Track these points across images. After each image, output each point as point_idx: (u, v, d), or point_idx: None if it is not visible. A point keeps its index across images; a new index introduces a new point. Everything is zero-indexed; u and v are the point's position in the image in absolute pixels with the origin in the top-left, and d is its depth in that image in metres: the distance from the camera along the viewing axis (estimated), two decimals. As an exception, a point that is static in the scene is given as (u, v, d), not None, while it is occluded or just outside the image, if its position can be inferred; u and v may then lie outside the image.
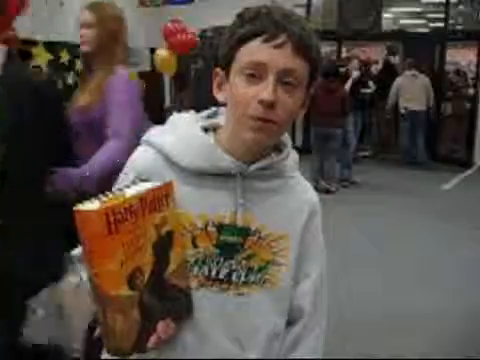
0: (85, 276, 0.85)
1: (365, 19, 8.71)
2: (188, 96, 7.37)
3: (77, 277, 1.49)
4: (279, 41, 0.85)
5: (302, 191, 1.02)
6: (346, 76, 6.99)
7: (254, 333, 0.97)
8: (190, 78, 7.87)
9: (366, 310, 3.31)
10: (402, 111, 7.97)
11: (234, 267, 0.94)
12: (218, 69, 0.93)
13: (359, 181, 6.90)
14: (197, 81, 7.71)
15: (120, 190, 0.83)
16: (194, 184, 0.92)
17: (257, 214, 0.94)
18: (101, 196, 0.80)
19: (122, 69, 2.02)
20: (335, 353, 2.47)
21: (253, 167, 0.93)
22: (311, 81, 0.91)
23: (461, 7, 8.61)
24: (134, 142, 1.96)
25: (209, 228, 0.92)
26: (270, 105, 0.85)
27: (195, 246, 0.92)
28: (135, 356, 0.83)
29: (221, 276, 0.93)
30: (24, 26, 3.92)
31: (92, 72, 2.04)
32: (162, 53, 5.84)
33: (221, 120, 0.98)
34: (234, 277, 0.94)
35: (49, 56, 3.50)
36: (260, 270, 0.95)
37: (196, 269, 0.92)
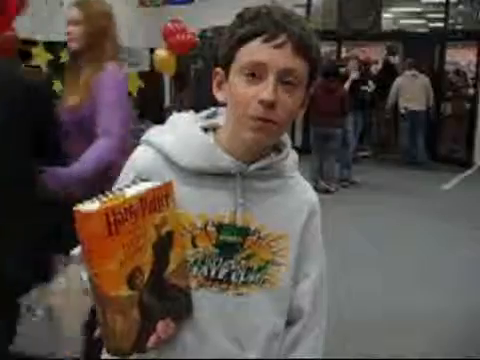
0: (85, 276, 0.85)
1: (365, 19, 8.72)
2: (188, 96, 7.38)
3: (66, 278, 1.50)
4: (279, 41, 0.85)
5: (301, 191, 1.02)
6: (346, 76, 7.00)
7: (254, 333, 0.97)
8: (190, 78, 7.88)
9: (366, 310, 3.31)
10: (402, 111, 7.97)
11: (233, 267, 0.94)
12: (218, 68, 0.93)
13: (359, 181, 6.91)
14: (197, 81, 7.72)
15: (120, 190, 0.83)
16: (194, 184, 0.92)
17: (257, 214, 0.94)
18: (101, 196, 0.79)
19: (112, 65, 1.99)
20: (335, 353, 2.47)
21: (253, 167, 0.93)
22: (311, 81, 0.91)
23: (461, 7, 8.62)
24: (124, 140, 1.96)
25: (209, 228, 0.92)
26: (270, 105, 0.85)
27: (195, 246, 0.92)
28: (135, 356, 0.83)
29: (220, 276, 0.93)
30: (24, 26, 3.92)
31: (80, 70, 2.01)
32: (161, 53, 5.84)
33: (220, 120, 0.98)
34: (233, 277, 0.94)
35: (49, 56, 3.49)
36: (259, 270, 0.95)
37: (195, 269, 0.92)
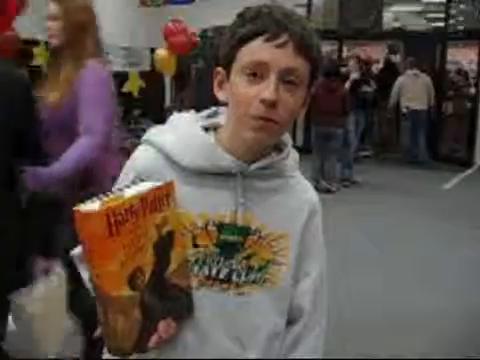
0: (86, 276, 0.85)
1: (366, 18, 8.71)
2: (189, 96, 7.37)
3: (47, 283, 1.49)
4: (281, 41, 0.85)
5: (302, 190, 1.02)
6: (347, 76, 6.99)
7: (254, 332, 0.97)
8: (191, 78, 7.88)
9: (366, 310, 3.31)
10: (404, 110, 7.97)
11: (234, 266, 0.94)
12: (219, 68, 0.93)
13: (360, 181, 6.90)
14: (198, 81, 7.71)
15: (120, 190, 0.83)
16: (194, 183, 0.92)
17: (257, 213, 0.94)
18: (101, 196, 0.79)
19: (93, 62, 1.93)
20: (335, 353, 2.47)
21: (254, 166, 0.93)
22: (312, 80, 0.91)
23: (462, 6, 8.60)
24: (107, 138, 1.87)
25: (209, 227, 0.92)
26: (272, 104, 0.85)
27: (195, 245, 0.92)
28: (136, 356, 0.83)
29: (221, 276, 0.93)
30: (24, 26, 3.92)
31: (61, 67, 1.95)
32: (161, 53, 5.84)
33: (221, 120, 0.98)
34: (234, 277, 0.94)
35: (50, 56, 3.51)
36: (260, 269, 0.95)
37: (196, 268, 0.92)
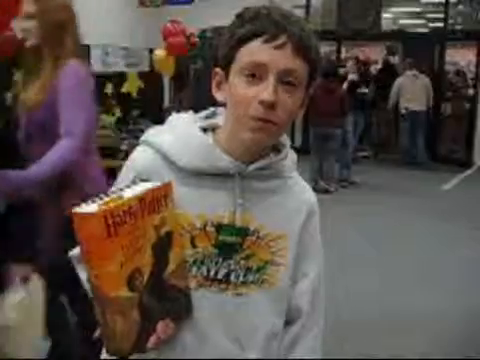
0: (84, 276, 0.85)
1: (364, 19, 8.71)
2: (187, 96, 7.37)
3: (20, 292, 1.47)
4: (280, 42, 0.85)
5: (300, 191, 1.02)
6: (345, 76, 7.00)
7: (253, 333, 0.97)
8: (189, 78, 7.88)
9: (364, 310, 3.31)
10: (403, 111, 7.97)
11: (233, 267, 0.94)
12: (217, 69, 0.94)
13: (358, 181, 6.91)
14: (196, 81, 7.72)
15: (119, 191, 0.83)
16: (193, 184, 0.92)
17: (256, 214, 0.95)
18: (101, 196, 0.79)
19: (73, 62, 1.86)
20: (333, 353, 2.48)
21: (252, 167, 0.93)
22: (310, 81, 0.91)
23: (460, 7, 8.61)
24: (88, 140, 1.83)
25: (208, 228, 0.92)
26: (271, 105, 0.85)
27: (194, 246, 0.92)
28: (135, 356, 0.83)
29: (220, 276, 0.94)
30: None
31: (40, 66, 1.87)
32: (160, 53, 5.85)
33: (220, 120, 0.98)
34: (233, 277, 0.94)
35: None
36: (258, 270, 0.96)
37: (195, 269, 0.92)
